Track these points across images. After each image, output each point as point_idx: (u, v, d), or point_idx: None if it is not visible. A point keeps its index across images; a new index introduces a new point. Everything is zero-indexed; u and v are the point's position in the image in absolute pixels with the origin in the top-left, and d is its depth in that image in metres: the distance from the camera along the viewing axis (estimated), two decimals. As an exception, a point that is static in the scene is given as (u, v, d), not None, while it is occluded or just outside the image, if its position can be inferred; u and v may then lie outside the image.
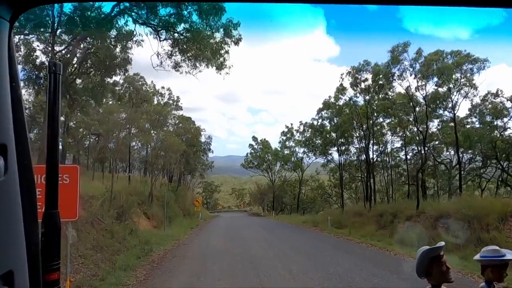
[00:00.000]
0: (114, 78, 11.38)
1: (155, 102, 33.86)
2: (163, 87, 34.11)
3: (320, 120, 26.51)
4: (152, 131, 23.90)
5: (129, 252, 11.22)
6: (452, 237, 11.59)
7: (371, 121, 22.38)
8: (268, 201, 51.81)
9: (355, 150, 33.69)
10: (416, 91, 17.01)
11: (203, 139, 36.59)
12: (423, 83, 16.52)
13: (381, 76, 17.56)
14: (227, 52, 9.91)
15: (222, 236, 16.19)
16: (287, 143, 45.31)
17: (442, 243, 2.03)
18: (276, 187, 47.65)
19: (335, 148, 30.56)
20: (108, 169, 45.80)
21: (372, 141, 22.24)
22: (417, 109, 22.29)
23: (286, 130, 45.08)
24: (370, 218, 19.44)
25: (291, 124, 44.59)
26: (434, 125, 27.29)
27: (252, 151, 49.39)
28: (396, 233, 14.10)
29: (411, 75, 16.30)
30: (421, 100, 20.41)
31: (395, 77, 17.04)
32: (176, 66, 10.69)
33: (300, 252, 10.93)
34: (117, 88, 16.37)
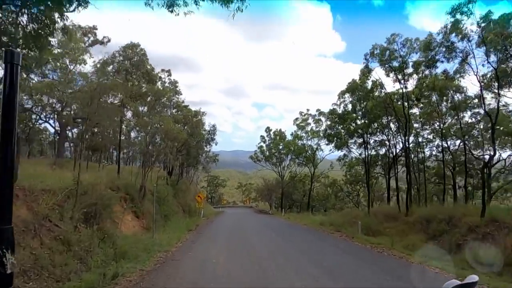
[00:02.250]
0: (68, 15, 7.29)
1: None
2: (163, 70, 30.30)
3: (342, 106, 22.32)
4: (148, 117, 19.94)
5: (87, 276, 7.41)
6: None
7: (406, 108, 18.26)
8: (276, 198, 47.91)
9: (373, 143, 29.93)
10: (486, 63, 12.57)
11: (206, 127, 32.55)
12: (495, 52, 12.20)
13: (436, 48, 13.29)
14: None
15: (225, 244, 12.33)
16: (299, 132, 41.25)
17: (476, 278, 1.46)
18: (285, 183, 43.66)
19: (357, 140, 26.56)
20: (107, 159, 42.33)
21: (407, 131, 18.05)
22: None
23: (300, 117, 40.94)
24: (410, 224, 15.41)
25: (307, 110, 40.48)
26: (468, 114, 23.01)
27: (263, 143, 45.26)
28: (468, 250, 10.05)
29: (479, 36, 11.96)
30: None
31: (455, 49, 12.73)
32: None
33: (343, 283, 7.01)
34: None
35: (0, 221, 1.15)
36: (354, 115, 21.35)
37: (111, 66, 20.24)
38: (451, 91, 17.73)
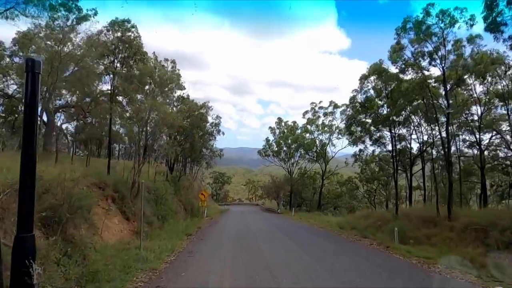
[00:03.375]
0: None
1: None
2: (166, 59, 27.52)
3: (363, 92, 19.14)
4: (142, 102, 17.08)
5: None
6: None
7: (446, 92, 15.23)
8: (283, 195, 45.05)
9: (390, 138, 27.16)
10: None
11: (210, 119, 29.75)
12: None
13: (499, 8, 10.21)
14: None
15: (231, 258, 9.53)
16: (308, 126, 38.34)
17: None
18: (294, 180, 40.71)
19: (374, 134, 23.53)
20: (106, 153, 39.88)
21: (449, 119, 14.96)
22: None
23: (310, 110, 38.05)
24: (457, 231, 12.42)
25: (320, 101, 37.59)
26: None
27: (271, 135, 42.29)
28: None
29: None
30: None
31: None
32: None
33: None
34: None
35: (21, 229, 1.09)
36: (380, 102, 18.27)
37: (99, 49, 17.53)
38: (500, 70, 14.65)
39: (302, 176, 40.17)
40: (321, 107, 38.31)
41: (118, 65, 18.25)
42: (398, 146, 27.76)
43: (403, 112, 17.52)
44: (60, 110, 20.20)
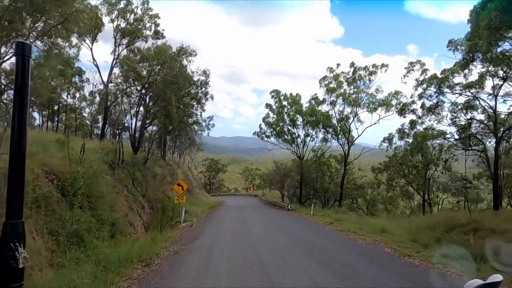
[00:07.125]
0: None
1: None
2: None
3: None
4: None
5: None
6: None
7: None
8: (290, 186, 35.55)
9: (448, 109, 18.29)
10: None
11: (195, 77, 19.71)
12: None
13: None
14: None
15: None
16: (326, 97, 28.87)
17: (499, 278, 1.24)
18: (305, 165, 31.00)
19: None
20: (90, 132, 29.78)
21: None
22: None
23: (329, 75, 28.47)
24: None
25: (337, 65, 28.08)
26: None
27: (271, 112, 32.46)
28: None
29: None
30: None
31: None
32: None
33: None
34: None
35: (11, 216, 1.07)
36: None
37: None
38: None
39: (317, 161, 30.40)
40: (339, 74, 28.66)
41: None
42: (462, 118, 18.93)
43: None
44: None
